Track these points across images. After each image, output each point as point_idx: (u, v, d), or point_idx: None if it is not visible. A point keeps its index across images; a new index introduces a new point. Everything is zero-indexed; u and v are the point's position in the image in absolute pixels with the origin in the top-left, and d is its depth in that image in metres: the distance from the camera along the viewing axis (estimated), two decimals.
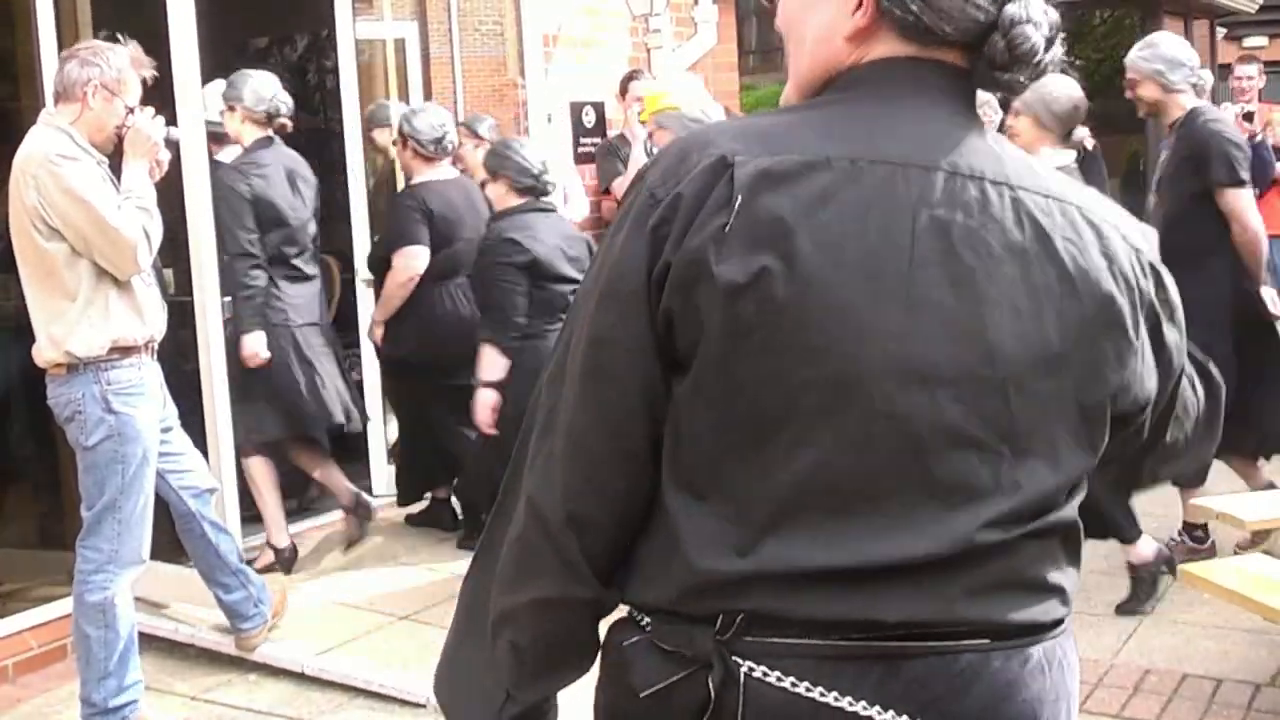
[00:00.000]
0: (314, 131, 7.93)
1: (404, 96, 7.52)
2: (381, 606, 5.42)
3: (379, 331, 6.20)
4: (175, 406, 4.59)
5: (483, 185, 5.65)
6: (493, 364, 5.39)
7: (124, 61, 4.24)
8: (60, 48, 5.02)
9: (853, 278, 1.36)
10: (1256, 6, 17.12)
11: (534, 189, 5.47)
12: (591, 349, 1.44)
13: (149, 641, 4.91)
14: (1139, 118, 12.40)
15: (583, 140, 7.88)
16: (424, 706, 4.50)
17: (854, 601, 1.36)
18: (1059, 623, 1.48)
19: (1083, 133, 7.39)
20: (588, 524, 1.45)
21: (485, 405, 5.40)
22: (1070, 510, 1.48)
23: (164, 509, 4.58)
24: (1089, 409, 1.46)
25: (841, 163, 1.39)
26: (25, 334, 4.30)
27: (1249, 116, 8.16)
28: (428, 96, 7.83)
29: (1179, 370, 1.59)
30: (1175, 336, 1.57)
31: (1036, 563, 1.44)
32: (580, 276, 5.28)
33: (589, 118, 7.94)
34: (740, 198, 1.36)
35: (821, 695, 1.36)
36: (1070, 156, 5.19)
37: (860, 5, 1.46)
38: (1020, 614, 1.43)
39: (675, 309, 1.38)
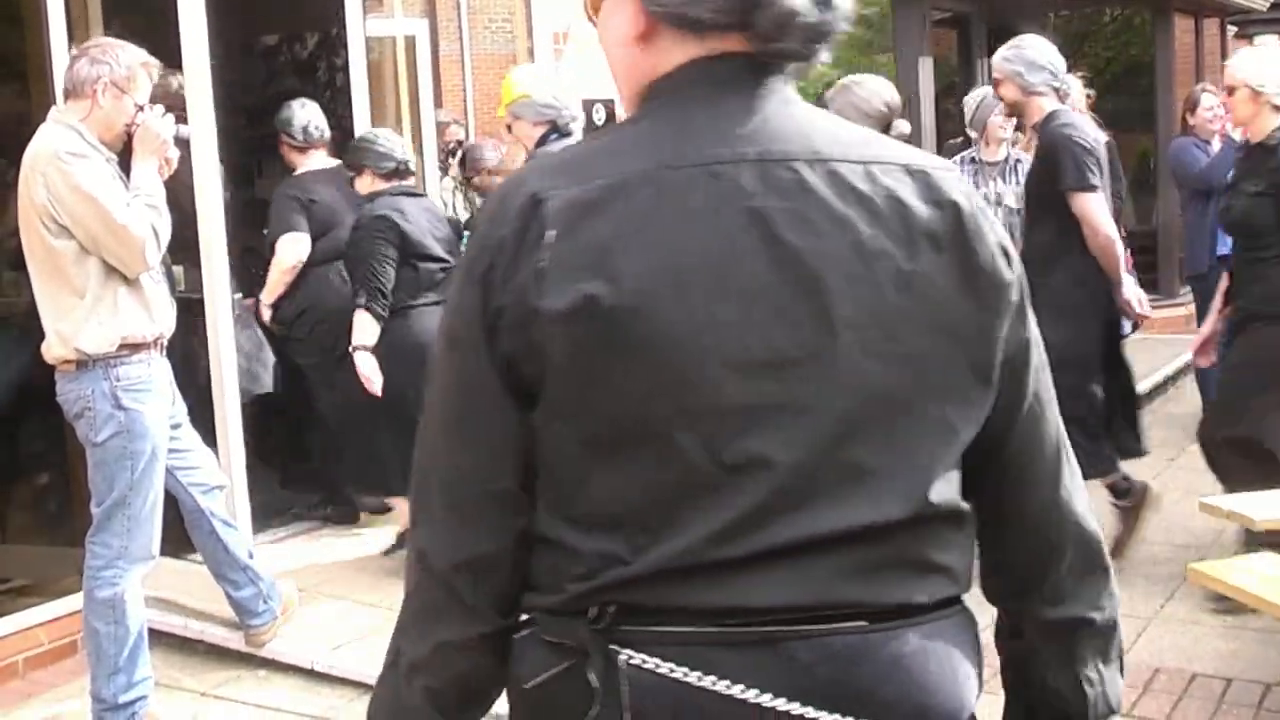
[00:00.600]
0: None
1: (413, 94, 7.53)
2: (390, 603, 5.40)
3: (267, 313, 6.42)
4: (184, 403, 4.60)
5: (351, 182, 5.94)
6: (368, 329, 5.62)
7: (134, 59, 4.25)
8: (70, 46, 5.03)
9: (679, 284, 1.38)
10: (1268, 4, 17.08)
11: (397, 172, 5.74)
12: (449, 398, 1.49)
13: (158, 637, 4.93)
14: (1149, 116, 12.42)
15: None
16: None
17: (725, 591, 1.39)
18: (948, 603, 1.48)
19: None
20: (478, 564, 1.49)
21: (366, 368, 5.59)
22: (949, 485, 1.47)
23: (173, 505, 4.59)
24: (951, 362, 1.46)
25: (650, 176, 1.42)
26: (35, 330, 4.31)
27: None
28: (438, 94, 7.85)
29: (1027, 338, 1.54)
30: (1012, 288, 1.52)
31: (916, 541, 1.44)
32: (448, 256, 5.66)
33: (599, 115, 7.93)
34: (552, 232, 1.39)
35: (700, 680, 1.38)
36: None
37: (635, 11, 1.50)
38: (899, 594, 1.43)
39: (515, 348, 1.41)
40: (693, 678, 1.38)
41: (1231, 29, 17.27)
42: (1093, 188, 5.28)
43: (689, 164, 1.42)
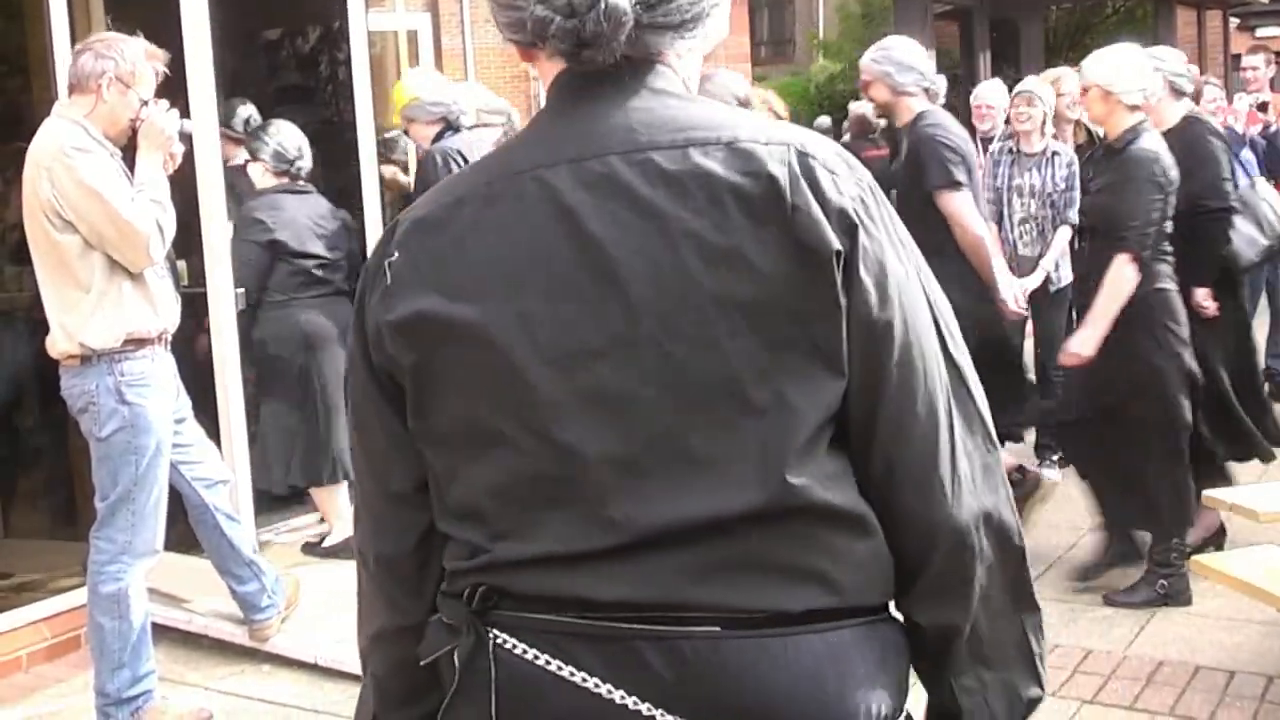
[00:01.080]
0: (326, 124, 7.94)
1: None
2: None
3: None
4: (188, 398, 4.61)
5: (244, 166, 6.16)
6: None
7: (139, 54, 4.24)
8: (72, 41, 5.03)
9: (500, 288, 1.44)
10: None
11: (288, 172, 6.01)
12: (351, 410, 1.60)
13: (162, 632, 4.94)
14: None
15: None
16: None
17: (576, 582, 1.41)
18: (823, 614, 1.41)
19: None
20: (389, 558, 1.59)
21: None
22: (814, 477, 1.40)
23: (177, 500, 4.59)
24: (784, 340, 1.40)
25: (479, 190, 1.48)
26: (39, 325, 4.32)
27: (1264, 107, 8.15)
28: None
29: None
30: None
31: (775, 540, 1.40)
32: (330, 254, 5.95)
33: None
34: (396, 254, 1.50)
35: (560, 669, 1.41)
36: None
37: None
38: (757, 600, 1.39)
39: (383, 361, 1.51)
40: (553, 666, 1.41)
41: (1234, 21, 17.28)
42: (958, 185, 5.29)
43: (512, 172, 1.47)
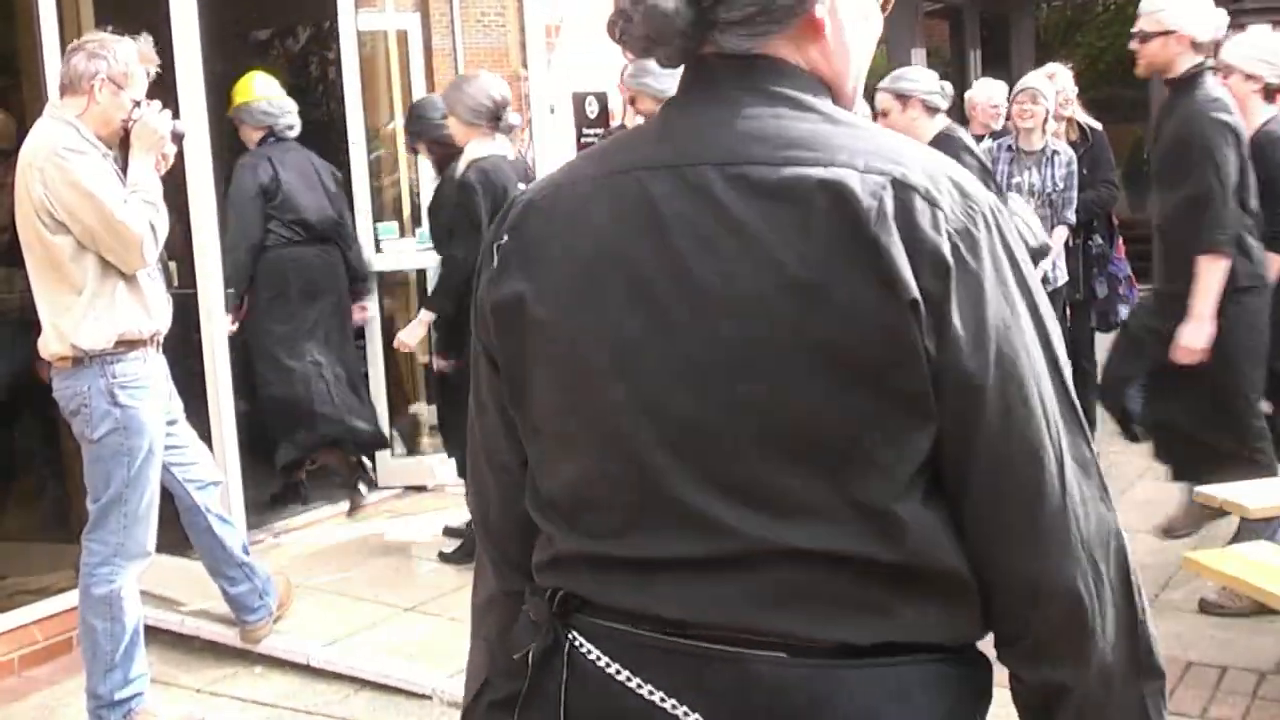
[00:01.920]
0: (316, 123, 7.94)
1: (406, 88, 7.52)
2: (387, 598, 5.43)
3: None
4: (180, 399, 4.60)
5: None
6: None
7: (131, 55, 4.24)
8: (62, 42, 5.03)
9: (587, 291, 1.42)
10: None
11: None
12: (470, 378, 1.60)
13: (154, 634, 4.93)
14: (1143, 105, 12.43)
15: (586, 131, 7.89)
16: (429, 698, 4.51)
17: (638, 594, 1.40)
18: (894, 648, 1.36)
19: (1083, 116, 7.43)
20: (491, 526, 1.62)
21: None
22: (896, 532, 1.34)
23: (169, 501, 4.59)
24: (861, 383, 1.32)
25: (588, 181, 1.47)
26: (31, 326, 4.31)
27: None
28: (430, 88, 7.82)
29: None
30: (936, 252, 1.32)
31: (852, 582, 1.34)
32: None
33: (592, 108, 7.95)
34: (506, 237, 1.50)
35: (628, 680, 1.40)
36: (506, 145, 5.51)
37: None
38: (826, 630, 1.35)
39: (487, 341, 1.52)
40: (622, 676, 1.40)
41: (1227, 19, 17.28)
42: None
43: (617, 170, 1.45)
